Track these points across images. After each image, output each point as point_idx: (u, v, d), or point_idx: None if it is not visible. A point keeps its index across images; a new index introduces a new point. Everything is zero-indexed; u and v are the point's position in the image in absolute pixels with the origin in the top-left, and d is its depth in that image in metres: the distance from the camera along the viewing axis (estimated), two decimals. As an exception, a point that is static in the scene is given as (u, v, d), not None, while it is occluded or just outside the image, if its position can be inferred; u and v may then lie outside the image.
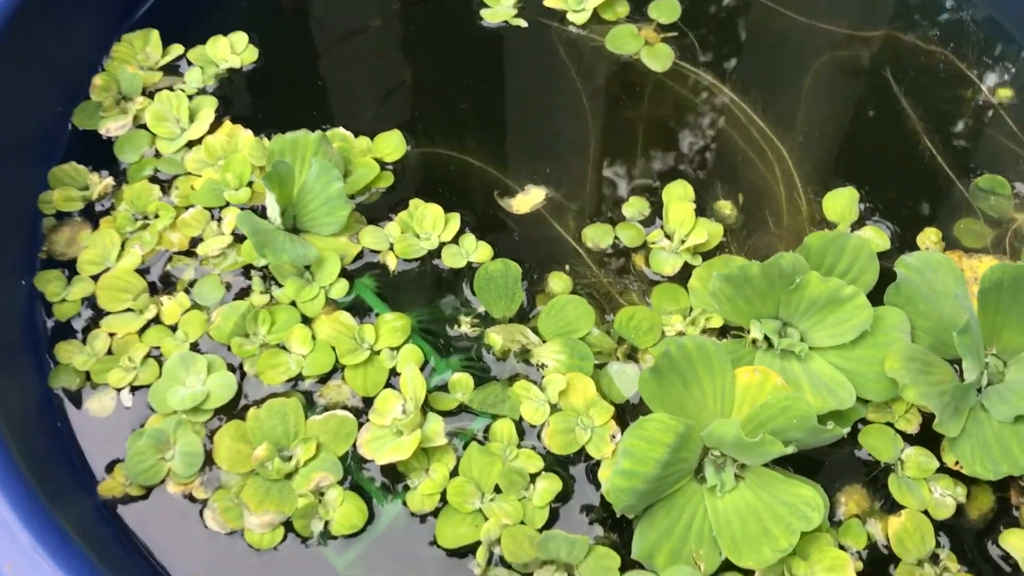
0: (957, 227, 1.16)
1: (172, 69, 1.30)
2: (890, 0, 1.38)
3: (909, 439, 1.02)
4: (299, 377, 1.06)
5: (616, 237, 1.15)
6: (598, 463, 1.01)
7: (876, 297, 1.04)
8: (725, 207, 1.17)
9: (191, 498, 1.00)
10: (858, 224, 1.15)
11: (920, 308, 1.03)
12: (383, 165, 1.21)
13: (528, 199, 1.18)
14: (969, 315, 0.96)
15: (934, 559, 0.96)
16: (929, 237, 1.14)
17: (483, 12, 1.33)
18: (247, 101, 1.27)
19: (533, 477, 1.00)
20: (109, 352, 1.08)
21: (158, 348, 1.08)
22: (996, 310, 1.01)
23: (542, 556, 0.95)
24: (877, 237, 1.14)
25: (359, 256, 1.14)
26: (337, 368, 1.07)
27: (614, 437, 1.01)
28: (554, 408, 1.03)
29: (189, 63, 1.30)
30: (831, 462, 1.01)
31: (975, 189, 1.18)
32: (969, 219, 1.16)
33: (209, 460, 1.01)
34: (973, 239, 1.15)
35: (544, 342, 1.08)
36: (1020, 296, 0.99)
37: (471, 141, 1.23)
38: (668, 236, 1.15)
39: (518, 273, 1.11)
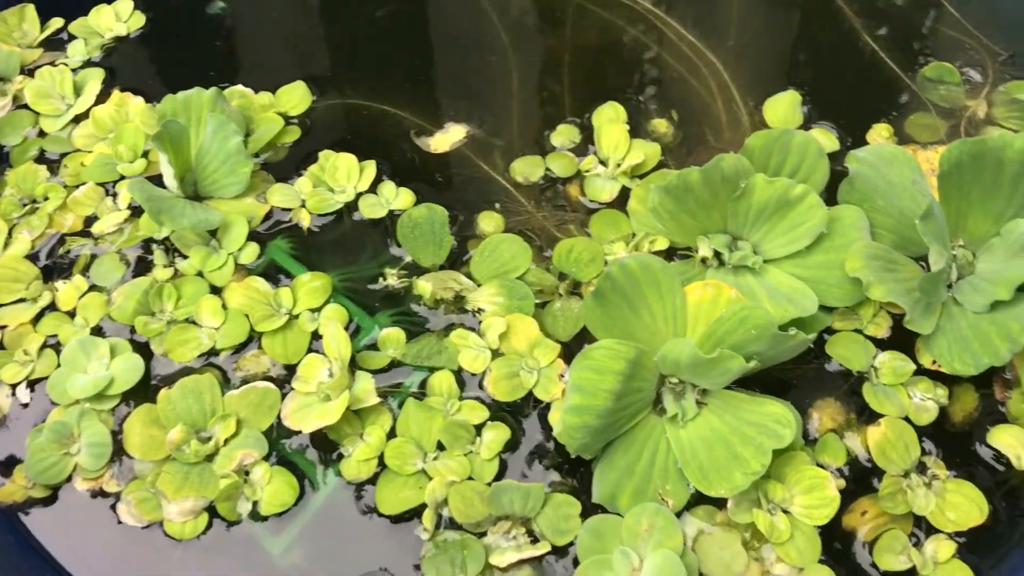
0: (909, 122, 1.08)
1: (54, 44, 1.20)
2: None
3: (881, 344, 0.94)
4: (212, 351, 0.96)
5: (547, 168, 1.07)
6: (548, 405, 0.92)
7: (829, 199, 0.96)
8: (660, 125, 1.09)
9: (102, 493, 0.89)
10: (803, 128, 1.07)
11: (878, 204, 0.95)
12: (288, 119, 1.11)
13: (448, 137, 1.09)
14: (930, 200, 0.88)
15: (921, 468, 0.88)
16: (880, 133, 1.06)
17: (385, -47, 1.24)
18: (137, 69, 1.17)
19: (479, 429, 0.90)
20: (1, 347, 0.98)
21: (55, 337, 0.98)
22: (959, 195, 0.94)
23: (495, 512, 0.86)
24: (824, 139, 1.06)
25: (268, 217, 1.04)
26: (253, 337, 0.97)
27: (562, 376, 0.92)
28: (495, 353, 0.94)
29: (71, 36, 1.20)
30: (800, 378, 0.93)
31: (923, 80, 1.11)
32: (920, 113, 1.09)
33: (120, 450, 0.91)
34: (927, 133, 1.07)
35: (479, 286, 0.99)
36: (982, 175, 0.92)
37: (383, 87, 1.14)
38: (602, 161, 1.06)
39: (444, 217, 1.02)
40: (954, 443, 0.89)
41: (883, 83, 1.11)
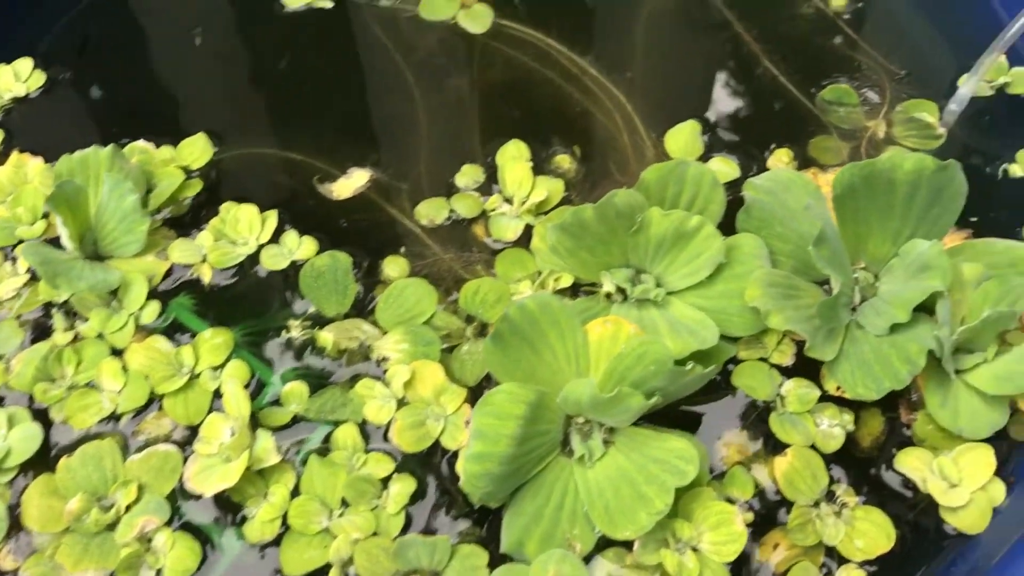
0: (811, 145, 1.08)
1: (-51, 108, 1.18)
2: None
3: (786, 372, 0.93)
4: (114, 416, 0.94)
5: (452, 210, 1.06)
6: (456, 454, 0.90)
7: (729, 228, 0.96)
8: (564, 161, 1.09)
9: (-1, 571, 0.87)
10: (704, 157, 1.07)
11: (776, 231, 0.95)
12: (189, 173, 1.10)
13: (351, 182, 1.08)
14: (824, 223, 0.88)
15: (830, 496, 0.87)
16: (780, 159, 1.06)
17: (284, -2, 1.23)
18: (37, 129, 1.15)
19: (385, 482, 0.89)
20: None
21: (-49, 410, 0.96)
22: (855, 218, 0.94)
23: (401, 567, 0.84)
24: (725, 167, 1.06)
25: (169, 273, 1.03)
26: (154, 399, 0.95)
27: (468, 423, 0.91)
28: (401, 403, 0.93)
29: (-33, 98, 1.19)
30: (709, 411, 0.93)
31: (822, 103, 1.11)
32: (821, 136, 1.09)
33: (17, 524, 0.88)
34: (829, 156, 1.08)
35: (385, 333, 0.97)
36: (875, 197, 0.92)
37: (286, 134, 1.13)
38: (507, 200, 1.05)
39: (348, 264, 1.01)
40: (862, 469, 0.89)
41: (784, 108, 1.11)
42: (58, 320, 1.00)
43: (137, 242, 1.02)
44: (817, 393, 0.91)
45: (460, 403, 0.92)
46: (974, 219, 1.00)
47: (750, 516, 0.85)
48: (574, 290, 0.99)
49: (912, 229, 0.92)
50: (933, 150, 1.07)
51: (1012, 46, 1.02)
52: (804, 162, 1.07)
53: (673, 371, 0.83)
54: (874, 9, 1.19)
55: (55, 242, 1.04)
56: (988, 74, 1.06)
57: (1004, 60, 1.10)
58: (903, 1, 1.21)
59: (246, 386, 0.95)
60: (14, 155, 1.11)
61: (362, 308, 1.00)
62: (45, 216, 1.07)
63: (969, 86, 1.06)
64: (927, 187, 0.90)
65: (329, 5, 1.22)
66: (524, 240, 1.03)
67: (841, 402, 0.91)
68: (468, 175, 1.08)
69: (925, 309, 0.89)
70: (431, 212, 1.06)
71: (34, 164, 1.10)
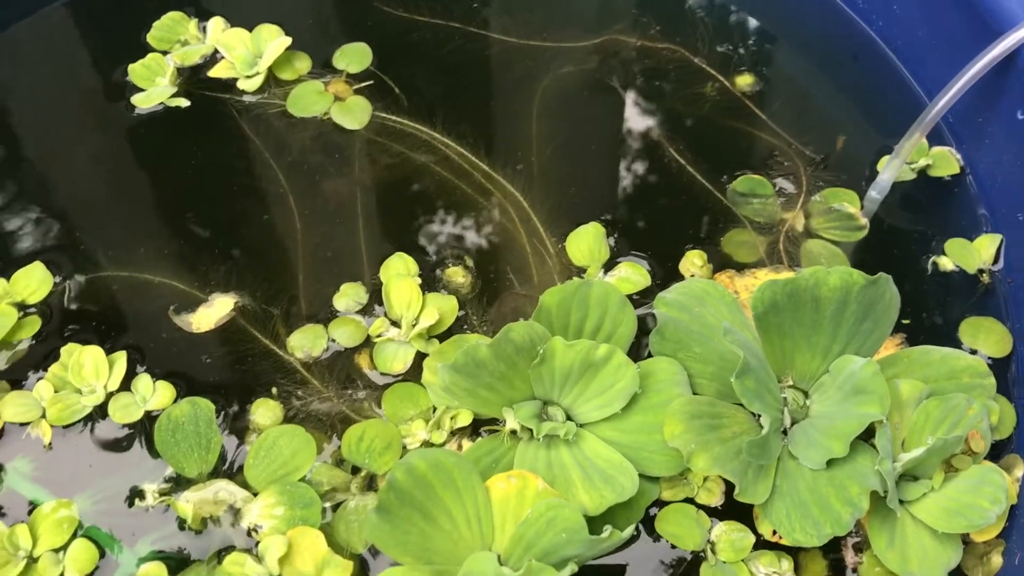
0: (726, 242, 0.99)
1: None
2: (605, 2, 1.22)
3: (715, 513, 0.83)
4: (-67, 619, 0.79)
5: (331, 338, 0.93)
6: (343, 641, 0.78)
7: (643, 347, 0.86)
8: (457, 275, 0.97)
9: None
10: (611, 263, 0.96)
11: (694, 351, 0.85)
12: (26, 309, 0.95)
13: (213, 312, 0.95)
14: (745, 352, 0.78)
15: (773, 658, 0.77)
16: (693, 262, 0.97)
17: (134, 99, 1.08)
18: None
19: None
20: None
21: None
22: (781, 335, 0.84)
23: None
24: (635, 274, 0.95)
25: (1, 434, 0.88)
26: (-17, 594, 0.80)
27: (356, 603, 0.79)
28: (277, 581, 0.80)
29: None
30: (632, 562, 0.82)
31: (733, 195, 1.02)
32: (736, 230, 1.00)
33: None
34: (745, 252, 0.98)
35: (256, 495, 0.84)
36: (801, 314, 0.83)
37: (140, 255, 0.99)
38: (395, 323, 0.93)
39: (211, 412, 0.87)
40: (807, 622, 0.79)
41: (693, 201, 1.02)
42: None
43: (-41, 403, 0.87)
44: (752, 539, 0.81)
45: (346, 578, 0.79)
46: (906, 321, 0.92)
47: None
48: (475, 427, 0.87)
49: (843, 345, 0.83)
50: (856, 242, 0.98)
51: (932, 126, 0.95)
52: (719, 261, 0.97)
53: (587, 540, 0.72)
54: (783, 88, 1.11)
55: None
56: (908, 156, 0.99)
57: (924, 141, 1.02)
58: (812, 80, 1.13)
59: (95, 569, 0.81)
60: None
61: (229, 465, 0.86)
62: None
63: (890, 171, 0.98)
64: (856, 303, 0.81)
65: (185, 103, 1.08)
66: (414, 371, 0.91)
67: (777, 547, 0.81)
68: (348, 295, 0.96)
69: (862, 434, 0.80)
70: (306, 342, 0.93)
71: None
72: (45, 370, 0.91)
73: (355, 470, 0.86)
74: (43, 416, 0.89)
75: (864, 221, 0.99)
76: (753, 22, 1.17)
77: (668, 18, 1.17)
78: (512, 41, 1.16)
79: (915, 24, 1.08)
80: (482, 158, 1.06)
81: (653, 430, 0.82)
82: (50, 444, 0.87)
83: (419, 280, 0.95)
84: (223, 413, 0.88)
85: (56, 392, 0.90)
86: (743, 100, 1.09)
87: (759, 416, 0.83)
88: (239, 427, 0.88)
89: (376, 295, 0.96)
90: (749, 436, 0.81)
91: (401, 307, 0.93)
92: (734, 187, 1.02)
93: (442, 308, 0.93)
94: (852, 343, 0.83)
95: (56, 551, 0.82)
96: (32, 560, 0.81)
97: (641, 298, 0.93)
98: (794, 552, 0.81)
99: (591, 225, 0.98)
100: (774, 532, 0.80)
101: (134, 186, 1.05)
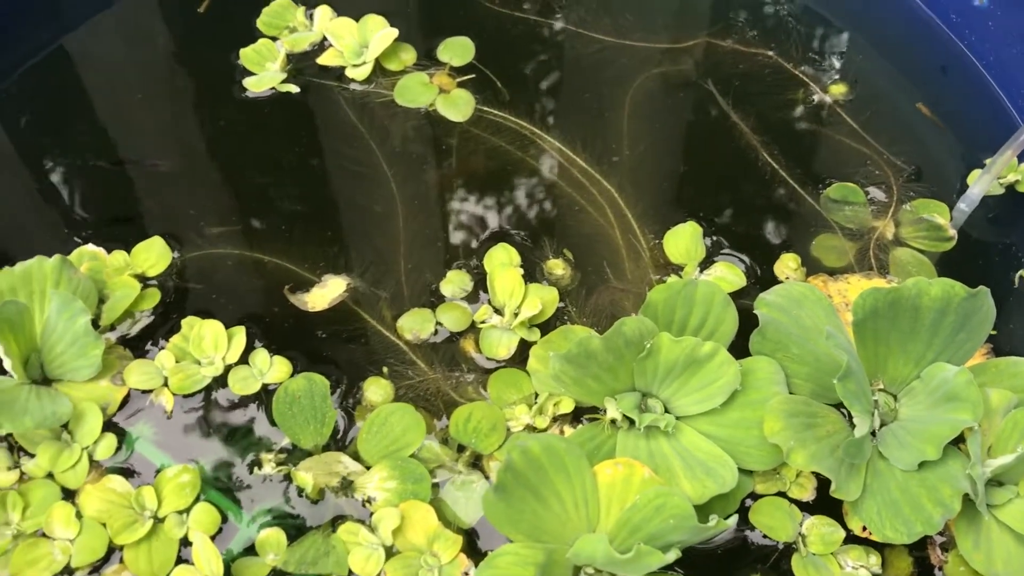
0: (816, 246, 1.02)
1: None
2: (702, 5, 1.25)
3: (807, 507, 0.87)
4: (67, 570, 0.84)
5: (438, 322, 0.98)
6: (452, 610, 0.82)
7: (742, 345, 0.90)
8: (557, 267, 1.01)
9: None
10: (706, 262, 1.00)
11: (792, 352, 0.89)
12: (146, 282, 1.00)
13: (326, 292, 0.99)
14: (848, 356, 0.82)
15: (860, 648, 0.81)
16: (788, 264, 1.00)
17: (246, 82, 1.13)
18: (-30, 231, 1.05)
19: (376, 644, 0.81)
20: None
21: None
22: (876, 340, 0.88)
23: None
24: (730, 274, 0.99)
25: (127, 400, 0.93)
26: (114, 549, 0.85)
27: (467, 574, 0.83)
28: (390, 551, 0.84)
29: None
30: (725, 551, 0.86)
31: (826, 201, 1.05)
32: (827, 235, 1.03)
33: None
34: (835, 257, 1.02)
35: (368, 468, 0.89)
36: (899, 321, 0.86)
37: (254, 234, 1.03)
38: (498, 311, 0.97)
39: (326, 388, 0.92)
40: (892, 616, 0.83)
41: (786, 205, 1.05)
42: (1, 458, 0.89)
43: (90, 367, 0.91)
44: (842, 534, 0.85)
45: (456, 552, 0.83)
46: (992, 332, 0.95)
47: (777, 676, 0.79)
48: (576, 415, 0.91)
49: (936, 353, 0.87)
50: (944, 253, 1.02)
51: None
52: (810, 265, 1.01)
53: (694, 527, 0.76)
54: (876, 99, 1.14)
55: (-5, 363, 0.94)
56: (1000, 172, 1.01)
57: (1015, 158, 1.05)
58: (902, 91, 1.16)
59: (218, 532, 0.86)
60: (-56, 261, 1.01)
61: (341, 437, 0.91)
62: (-18, 333, 0.97)
63: (981, 185, 1.01)
64: (955, 314, 0.85)
65: (296, 90, 1.13)
66: (517, 357, 0.95)
67: (867, 541, 0.85)
68: (454, 282, 1.00)
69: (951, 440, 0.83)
70: (416, 325, 0.97)
71: (-32, 275, 1.00)
72: (166, 340, 0.96)
73: (461, 449, 0.90)
74: (165, 384, 0.94)
75: (952, 232, 1.02)
76: (845, 33, 1.20)
77: (762, 25, 1.20)
78: (608, 40, 1.19)
79: (1010, 41, 1.10)
80: (579, 154, 1.09)
81: (751, 426, 0.86)
82: (172, 412, 0.92)
83: (521, 271, 0.99)
84: (336, 389, 0.93)
85: (177, 362, 0.95)
86: (835, 109, 1.12)
87: (850, 417, 0.87)
88: (350, 404, 0.93)
89: (480, 282, 1.00)
90: (841, 436, 0.85)
91: (504, 296, 0.98)
92: (827, 194, 1.05)
93: (543, 298, 0.97)
94: (946, 352, 0.87)
95: (180, 513, 0.87)
96: (158, 520, 0.86)
97: (736, 298, 0.97)
98: (881, 548, 0.85)
99: (688, 224, 1.02)
100: (864, 528, 0.84)
101: (246, 168, 1.09)
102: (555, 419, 0.91)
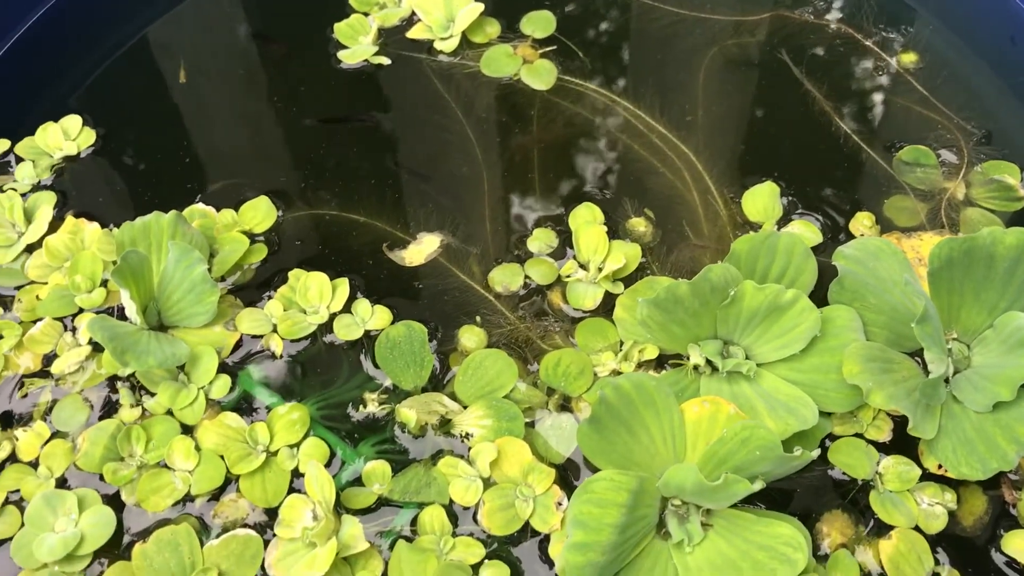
0: (888, 206, 1.06)
1: (0, 168, 1.14)
2: (771, -20, 1.30)
3: (883, 448, 0.91)
4: (188, 498, 0.91)
5: (527, 276, 1.03)
6: (547, 537, 0.87)
7: (819, 297, 0.94)
8: (639, 224, 1.06)
9: (75, 666, 0.84)
10: (784, 220, 1.05)
11: (869, 302, 0.93)
12: (253, 237, 1.07)
13: (422, 248, 1.05)
14: (925, 301, 0.86)
15: (936, 579, 0.85)
16: (862, 222, 1.05)
17: (340, 54, 1.20)
18: (90, 191, 1.12)
19: (476, 568, 0.86)
20: (-42, 507, 0.92)
21: (17, 492, 0.92)
22: (950, 290, 0.92)
23: (500, 660, 0.81)
24: (807, 231, 1.04)
25: (239, 345, 1.00)
26: (230, 480, 0.92)
27: (560, 504, 0.88)
28: (487, 483, 0.90)
29: (18, 158, 1.15)
30: (804, 489, 0.90)
31: (899, 163, 1.09)
32: (898, 196, 1.07)
33: (94, 616, 0.85)
34: (907, 217, 1.06)
35: (465, 408, 0.95)
36: (973, 270, 0.90)
37: (350, 195, 1.10)
38: (583, 266, 1.03)
39: (423, 334, 0.98)
40: (966, 550, 0.86)
41: (859, 168, 1.10)
42: (125, 395, 0.97)
43: (206, 313, 0.99)
44: (918, 472, 0.89)
45: (549, 484, 0.89)
46: (1064, 284, 0.98)
47: (856, 603, 0.83)
48: (659, 362, 0.96)
49: (1010, 302, 0.91)
50: (1014, 212, 1.05)
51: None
52: (883, 224, 1.05)
53: (780, 457, 0.81)
54: (945, 67, 1.17)
55: (114, 311, 1.02)
56: (1065, 133, 1.05)
57: (1084, 120, 1.09)
58: (971, 59, 1.20)
59: (326, 465, 0.92)
60: (69, 219, 1.08)
61: (437, 380, 0.97)
62: (103, 284, 1.04)
63: (1050, 147, 1.05)
64: (1029, 262, 0.89)
65: (387, 61, 1.19)
66: (602, 308, 1.00)
67: (941, 479, 0.89)
68: (540, 239, 1.06)
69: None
70: (506, 279, 1.03)
71: (90, 229, 1.07)
72: (273, 291, 1.03)
73: (550, 392, 0.96)
74: (274, 330, 1.01)
75: (1023, 193, 1.06)
76: (913, 3, 1.24)
77: (831, -3, 1.25)
78: (683, 13, 1.24)
79: (1079, 10, 1.13)
80: (657, 119, 1.14)
81: (829, 370, 0.91)
82: (281, 355, 0.99)
83: (604, 228, 1.05)
84: (433, 336, 0.99)
85: (285, 311, 1.01)
86: (906, 76, 1.16)
87: (924, 365, 0.91)
88: (445, 350, 0.99)
89: (565, 240, 1.05)
90: (916, 380, 0.89)
91: (589, 251, 1.03)
92: (900, 156, 1.09)
93: (626, 254, 1.03)
94: (1020, 300, 0.90)
95: (291, 447, 0.93)
96: (271, 454, 0.93)
97: (813, 254, 1.01)
98: (956, 486, 0.89)
99: (766, 184, 1.07)
100: (939, 466, 0.88)
101: (342, 134, 1.16)
102: (640, 365, 0.96)
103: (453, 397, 0.95)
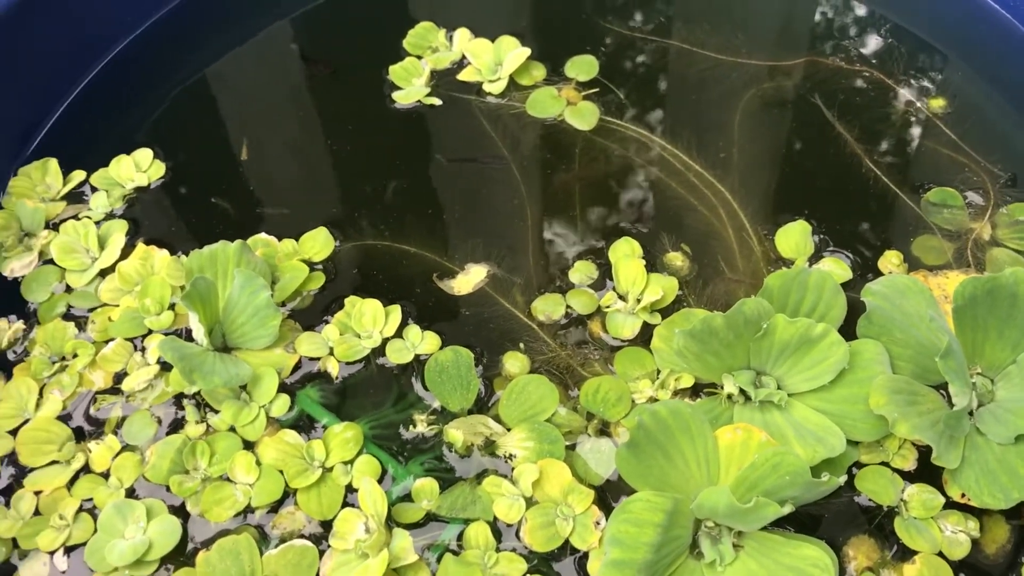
0: (916, 245, 1.11)
1: (76, 197, 1.22)
2: (804, 27, 1.36)
3: (908, 476, 0.95)
4: (248, 509, 0.97)
5: (568, 306, 1.09)
6: (586, 555, 0.93)
7: (848, 331, 0.99)
8: (676, 259, 1.12)
9: (144, 665, 0.90)
10: (815, 258, 1.10)
11: (896, 336, 0.97)
12: (312, 266, 1.14)
13: (469, 279, 1.12)
14: (949, 337, 0.90)
15: (958, 604, 0.89)
16: (890, 260, 1.09)
17: (395, 95, 1.28)
18: (159, 220, 1.20)
19: (518, 581, 0.91)
20: (36, 512, 0.98)
21: (91, 500, 0.98)
22: (974, 327, 0.96)
23: (540, 669, 0.86)
24: (837, 268, 1.09)
25: (297, 367, 1.06)
26: (288, 493, 0.98)
27: (598, 524, 0.93)
28: (529, 501, 0.95)
29: (93, 188, 1.23)
30: (831, 514, 0.95)
31: (927, 204, 1.14)
32: (926, 235, 1.12)
33: (160, 619, 0.91)
34: (934, 256, 1.10)
35: (509, 430, 1.00)
36: (997, 308, 0.94)
37: (402, 228, 1.17)
38: (622, 297, 1.08)
39: (470, 359, 1.04)
40: (989, 577, 0.91)
41: (888, 208, 1.14)
42: (190, 412, 1.03)
43: (269, 336, 1.05)
44: (942, 499, 0.93)
45: (588, 504, 0.94)
46: (1086, 324, 1.02)
47: (881, 624, 0.87)
48: (694, 390, 1.01)
49: (1032, 339, 0.95)
50: (1039, 253, 1.10)
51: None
52: (910, 263, 1.09)
53: (809, 483, 0.85)
54: (973, 111, 1.22)
55: (180, 332, 1.08)
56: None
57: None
58: (998, 104, 1.24)
59: (378, 481, 0.98)
60: (140, 246, 1.16)
61: (483, 403, 1.03)
62: (171, 307, 1.11)
63: (1074, 191, 1.09)
64: (1050, 301, 0.93)
65: (439, 102, 1.27)
66: (640, 338, 1.05)
67: (965, 508, 0.93)
68: (581, 271, 1.11)
69: (1046, 417, 0.91)
70: (548, 308, 1.09)
71: (160, 256, 1.15)
72: (330, 316, 1.09)
73: (590, 416, 1.01)
74: (331, 353, 1.07)
75: (1048, 234, 1.10)
76: (943, 51, 1.29)
77: (865, 44, 1.30)
78: (720, 58, 1.30)
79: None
80: (694, 159, 1.20)
81: (857, 401, 0.95)
82: (337, 377, 1.05)
83: (643, 261, 1.10)
84: (478, 361, 1.05)
85: (341, 335, 1.08)
86: (935, 121, 1.21)
87: (949, 398, 0.95)
88: (490, 374, 1.04)
89: (604, 272, 1.11)
90: (940, 412, 0.93)
91: (628, 283, 1.08)
92: (927, 197, 1.14)
93: (664, 286, 1.08)
94: (1041, 337, 0.95)
95: (345, 464, 0.99)
96: (326, 470, 0.99)
97: (843, 290, 1.06)
98: (979, 515, 0.92)
99: (798, 222, 1.12)
100: (963, 495, 0.92)
101: (394, 169, 1.23)
102: (675, 393, 1.01)
103: (497, 419, 1.01)
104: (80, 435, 1.03)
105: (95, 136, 1.28)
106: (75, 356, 1.08)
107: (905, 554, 0.91)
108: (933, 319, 0.92)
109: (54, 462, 1.01)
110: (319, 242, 1.15)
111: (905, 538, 0.91)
